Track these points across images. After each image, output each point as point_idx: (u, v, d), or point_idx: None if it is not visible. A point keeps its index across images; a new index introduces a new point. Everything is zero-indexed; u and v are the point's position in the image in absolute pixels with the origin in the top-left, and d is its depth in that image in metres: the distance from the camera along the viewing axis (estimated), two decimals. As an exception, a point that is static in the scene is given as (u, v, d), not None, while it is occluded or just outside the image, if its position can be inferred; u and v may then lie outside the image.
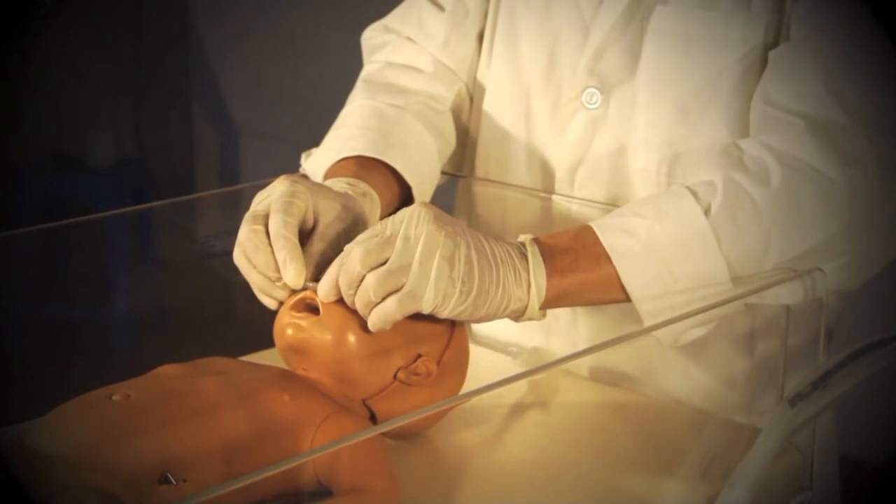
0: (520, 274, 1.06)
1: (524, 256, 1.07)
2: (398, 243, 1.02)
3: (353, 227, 1.12)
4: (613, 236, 1.08)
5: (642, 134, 1.25)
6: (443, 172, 1.38)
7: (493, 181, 1.38)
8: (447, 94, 1.37)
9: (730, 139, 1.20)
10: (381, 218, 1.23)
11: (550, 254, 1.08)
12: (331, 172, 1.25)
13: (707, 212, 1.08)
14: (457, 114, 1.39)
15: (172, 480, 0.92)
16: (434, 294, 1.02)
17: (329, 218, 1.11)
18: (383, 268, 1.02)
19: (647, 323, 1.09)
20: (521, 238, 1.09)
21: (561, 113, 1.30)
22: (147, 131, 3.90)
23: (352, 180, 1.21)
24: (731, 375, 1.26)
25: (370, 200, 1.20)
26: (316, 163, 1.30)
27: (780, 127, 1.14)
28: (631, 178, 1.26)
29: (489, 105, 1.37)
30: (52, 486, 0.88)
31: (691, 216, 1.08)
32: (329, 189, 1.14)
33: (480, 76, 1.39)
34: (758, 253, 1.08)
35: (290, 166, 1.38)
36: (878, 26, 1.13)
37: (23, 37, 3.40)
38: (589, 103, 1.27)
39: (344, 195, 1.15)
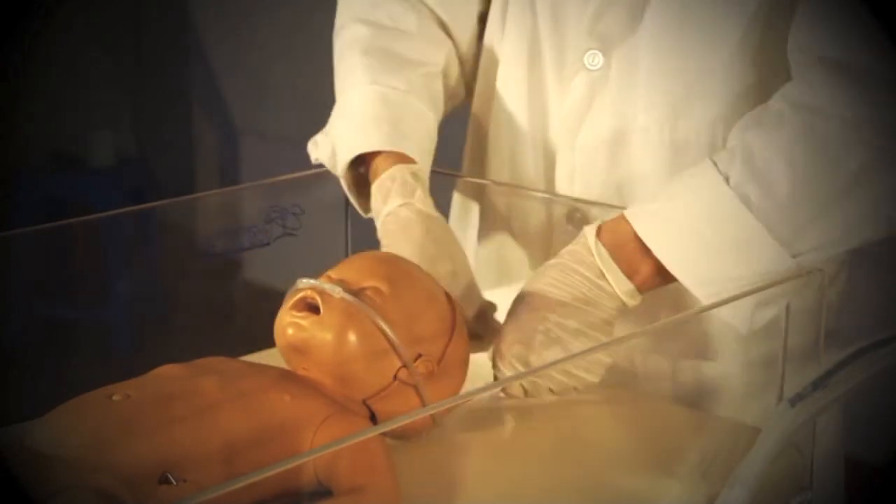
0: (603, 289, 1.13)
1: (603, 277, 1.13)
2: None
3: None
4: (646, 224, 1.13)
5: (643, 93, 1.25)
6: (443, 172, 1.38)
7: (493, 181, 1.38)
8: (437, 58, 1.36)
9: (730, 97, 1.21)
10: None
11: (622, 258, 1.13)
12: (383, 188, 1.27)
13: (728, 180, 1.10)
14: (445, 77, 1.38)
15: (172, 480, 0.92)
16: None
17: None
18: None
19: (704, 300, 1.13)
20: (588, 236, 1.14)
21: (565, 75, 1.30)
22: (147, 131, 3.90)
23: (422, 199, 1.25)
24: (731, 375, 1.26)
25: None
26: (332, 155, 1.32)
27: (801, 71, 1.15)
28: (631, 138, 1.26)
29: (501, 70, 1.37)
30: (52, 486, 0.88)
31: (711, 187, 1.10)
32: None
33: (494, 38, 1.38)
34: (793, 201, 1.09)
35: (290, 166, 1.38)
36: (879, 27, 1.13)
37: (23, 37, 3.40)
38: (591, 65, 1.27)
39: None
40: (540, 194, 1.34)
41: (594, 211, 1.27)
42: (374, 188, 1.26)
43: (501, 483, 1.07)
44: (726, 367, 1.26)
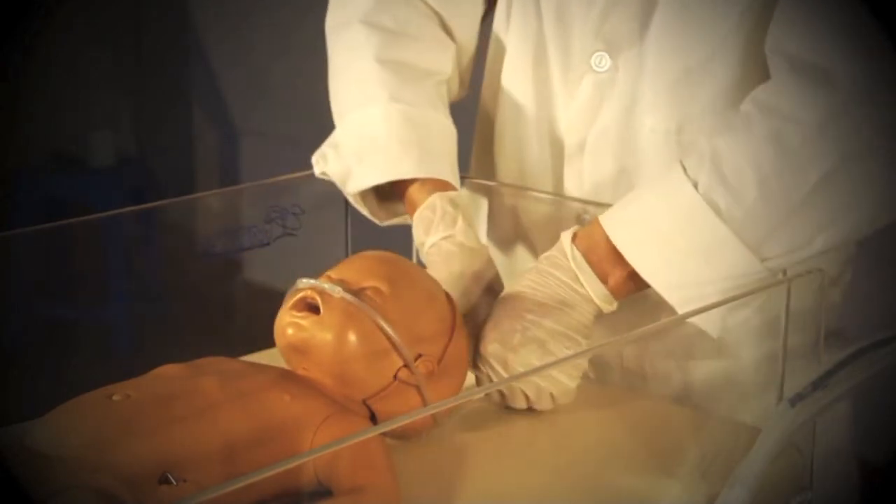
0: (578, 292, 1.14)
1: (578, 280, 1.14)
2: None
3: None
4: (618, 229, 1.13)
5: (650, 94, 1.25)
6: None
7: (501, 183, 1.38)
8: (446, 66, 1.35)
9: (734, 95, 1.21)
10: None
11: (599, 265, 1.14)
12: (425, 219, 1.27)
13: (696, 185, 1.10)
14: (448, 84, 1.37)
15: (172, 480, 0.92)
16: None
17: None
18: None
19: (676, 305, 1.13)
20: (564, 241, 1.15)
21: (571, 77, 1.30)
22: (147, 131, 3.89)
23: (463, 230, 1.25)
24: (731, 375, 1.26)
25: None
26: (345, 173, 1.31)
27: (774, 72, 1.16)
28: (639, 139, 1.26)
29: (506, 69, 1.37)
30: (52, 486, 0.88)
31: (680, 193, 1.11)
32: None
33: (499, 40, 1.38)
34: (761, 206, 1.09)
35: (290, 166, 1.38)
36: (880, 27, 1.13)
37: (23, 37, 3.40)
38: (598, 67, 1.27)
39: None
40: (547, 196, 1.33)
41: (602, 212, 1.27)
42: (416, 219, 1.26)
43: (501, 483, 1.07)
44: (726, 367, 1.26)
